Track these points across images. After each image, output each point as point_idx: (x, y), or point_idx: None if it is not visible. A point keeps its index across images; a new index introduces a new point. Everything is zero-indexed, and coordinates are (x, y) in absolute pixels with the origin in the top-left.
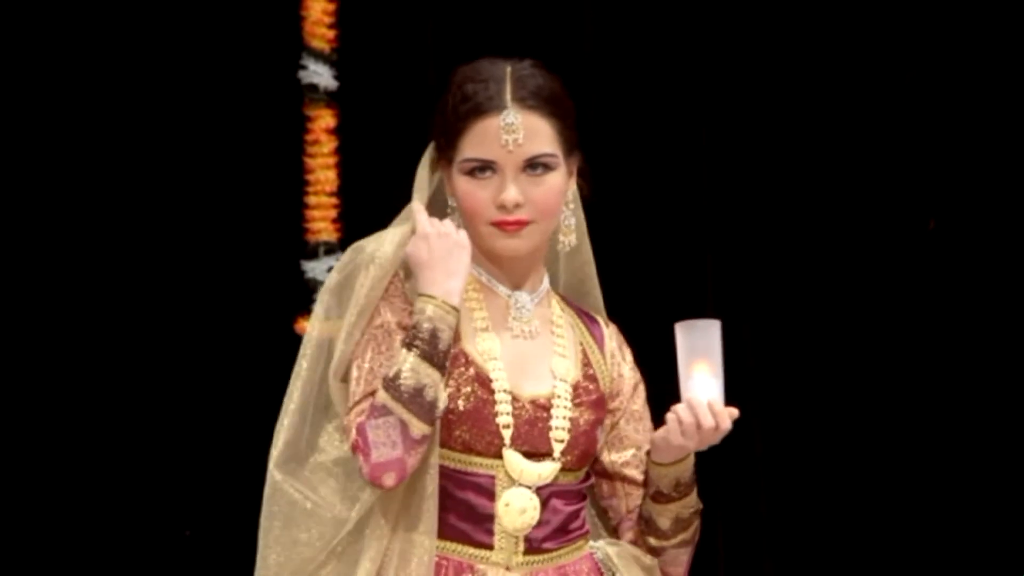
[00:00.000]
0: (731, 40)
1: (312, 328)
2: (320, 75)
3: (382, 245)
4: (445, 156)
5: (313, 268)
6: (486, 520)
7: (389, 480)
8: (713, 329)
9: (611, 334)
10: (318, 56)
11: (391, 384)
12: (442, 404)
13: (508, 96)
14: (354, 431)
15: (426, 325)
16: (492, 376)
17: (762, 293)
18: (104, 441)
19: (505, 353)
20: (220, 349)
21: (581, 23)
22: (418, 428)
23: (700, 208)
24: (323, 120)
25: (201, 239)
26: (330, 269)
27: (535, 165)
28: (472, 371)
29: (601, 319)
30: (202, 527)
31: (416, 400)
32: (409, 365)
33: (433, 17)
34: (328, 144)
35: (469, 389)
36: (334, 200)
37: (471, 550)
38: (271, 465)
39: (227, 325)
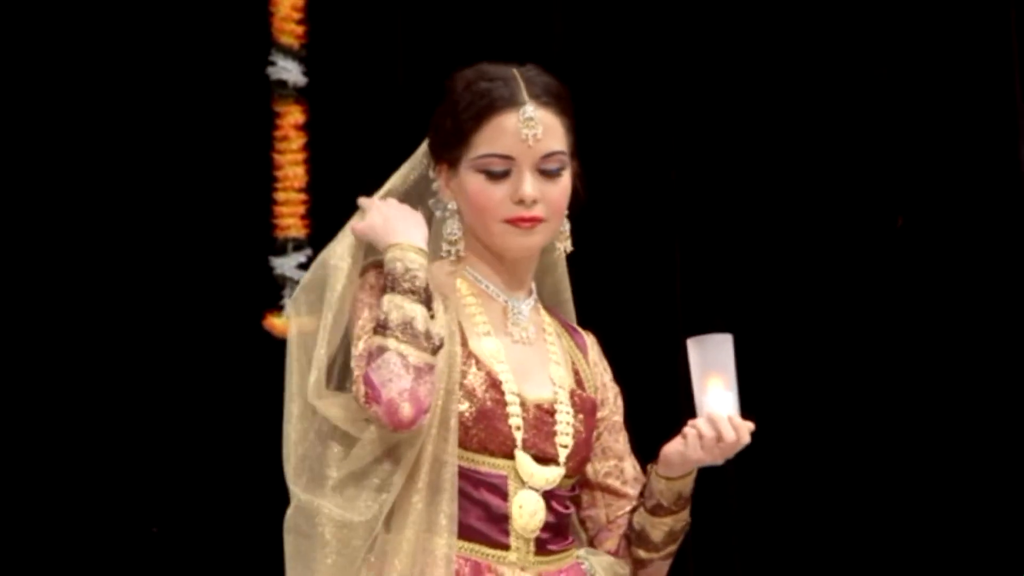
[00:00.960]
0: (701, 43)
1: (291, 333)
2: (289, 71)
3: (334, 247)
4: (451, 157)
5: (282, 264)
6: (502, 520)
7: (406, 412)
8: (725, 343)
9: (592, 343)
10: (287, 52)
11: (380, 325)
12: (437, 336)
13: (525, 93)
14: (361, 385)
15: (398, 266)
16: (501, 378)
17: (731, 294)
18: (73, 437)
19: (509, 357)
20: (189, 345)
21: (550, 19)
22: (418, 356)
23: (669, 207)
24: (292, 116)
25: (170, 235)
26: (299, 265)
27: (549, 165)
28: (483, 372)
29: (580, 329)
30: (170, 524)
31: (408, 331)
32: (391, 303)
33: (402, 13)
34: (297, 140)
35: (482, 390)
36: (303, 196)
37: (488, 550)
38: (291, 486)
39: (196, 321)
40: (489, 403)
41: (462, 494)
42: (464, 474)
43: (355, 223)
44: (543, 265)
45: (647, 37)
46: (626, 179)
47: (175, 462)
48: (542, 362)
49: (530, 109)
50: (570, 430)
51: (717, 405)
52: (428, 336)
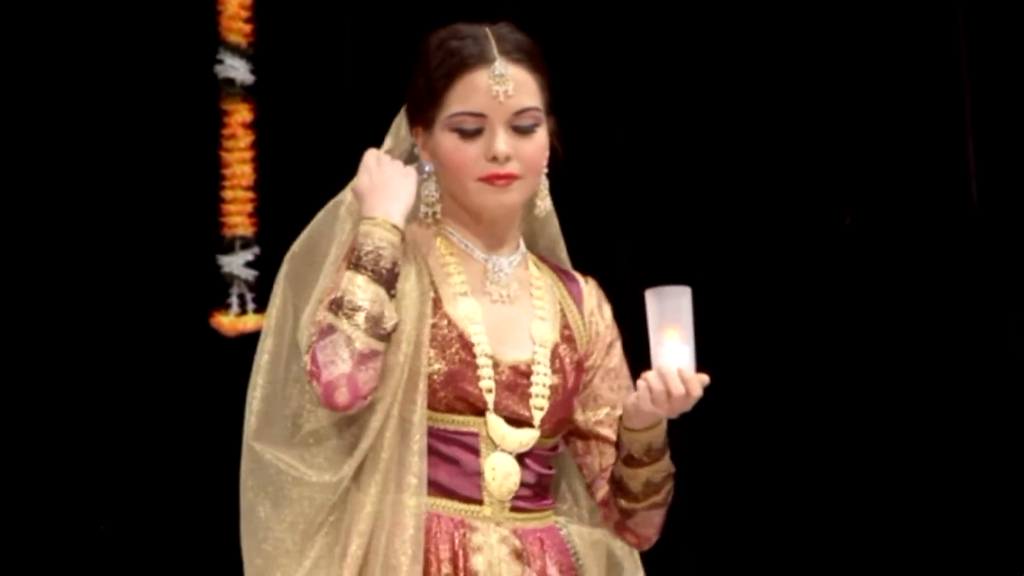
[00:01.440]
0: (653, 37)
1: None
2: (236, 69)
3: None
4: (425, 118)
5: (229, 262)
6: (474, 476)
7: (341, 397)
8: (683, 295)
9: (590, 291)
10: (235, 50)
11: (334, 303)
12: (390, 321)
13: (495, 49)
14: (307, 358)
15: (366, 243)
16: (473, 340)
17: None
18: (21, 435)
19: (485, 318)
20: (137, 343)
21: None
22: (364, 342)
23: (615, 208)
24: (239, 114)
25: (117, 233)
26: (247, 263)
27: (523, 122)
28: (455, 333)
29: (579, 276)
30: (118, 522)
31: (359, 314)
32: (351, 282)
33: (350, 11)
34: (244, 138)
35: (452, 351)
36: (250, 194)
37: (461, 506)
38: (253, 441)
39: (143, 319)
40: (459, 365)
41: (433, 452)
42: (434, 433)
43: (355, 182)
44: (534, 227)
45: (598, 32)
46: (571, 181)
47: (123, 460)
48: (523, 320)
49: (500, 65)
50: (546, 392)
51: (670, 358)
52: (379, 321)
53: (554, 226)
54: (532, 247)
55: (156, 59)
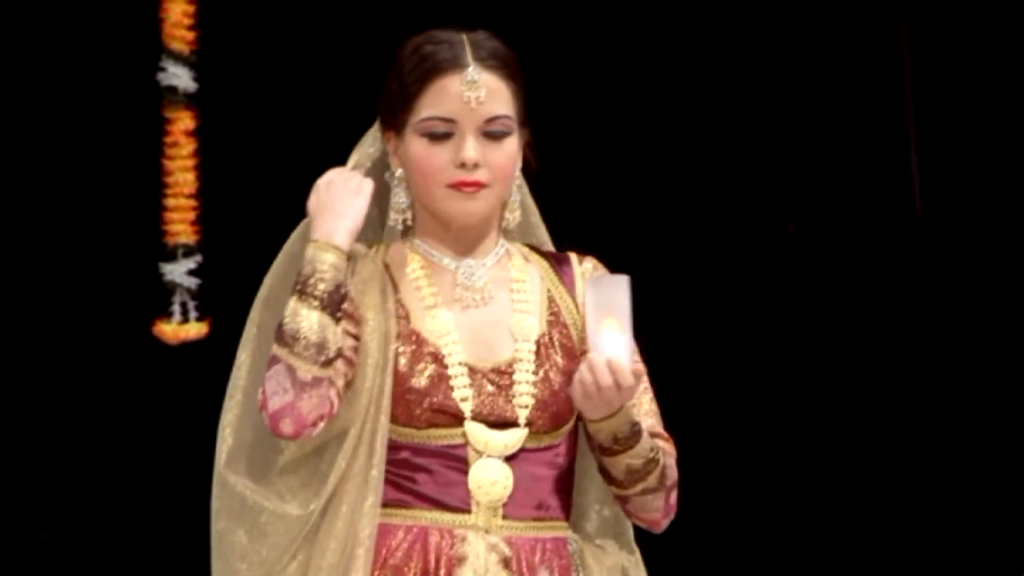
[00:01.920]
0: (596, 46)
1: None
2: (179, 77)
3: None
4: (396, 123)
5: (171, 270)
6: (459, 485)
7: (286, 428)
8: (621, 285)
9: (583, 272)
10: (177, 58)
11: (277, 332)
12: (333, 344)
13: (469, 55)
14: (261, 388)
15: (307, 268)
16: (445, 351)
17: None
18: None
19: (459, 326)
20: (79, 351)
21: (441, 22)
22: (305, 371)
23: (557, 216)
24: (182, 122)
25: (59, 241)
26: (189, 271)
27: (494, 129)
28: (426, 349)
29: (575, 257)
30: (60, 530)
31: (300, 342)
32: (291, 310)
33: (293, 19)
34: (187, 146)
35: (423, 366)
36: (193, 202)
37: (449, 516)
38: (226, 472)
39: (85, 327)
40: (432, 379)
41: (420, 468)
42: (420, 450)
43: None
44: (526, 234)
45: (541, 41)
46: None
47: (65, 468)
48: (501, 319)
49: (473, 71)
50: (530, 388)
51: (607, 348)
52: (321, 348)
53: (542, 235)
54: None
55: (98, 66)
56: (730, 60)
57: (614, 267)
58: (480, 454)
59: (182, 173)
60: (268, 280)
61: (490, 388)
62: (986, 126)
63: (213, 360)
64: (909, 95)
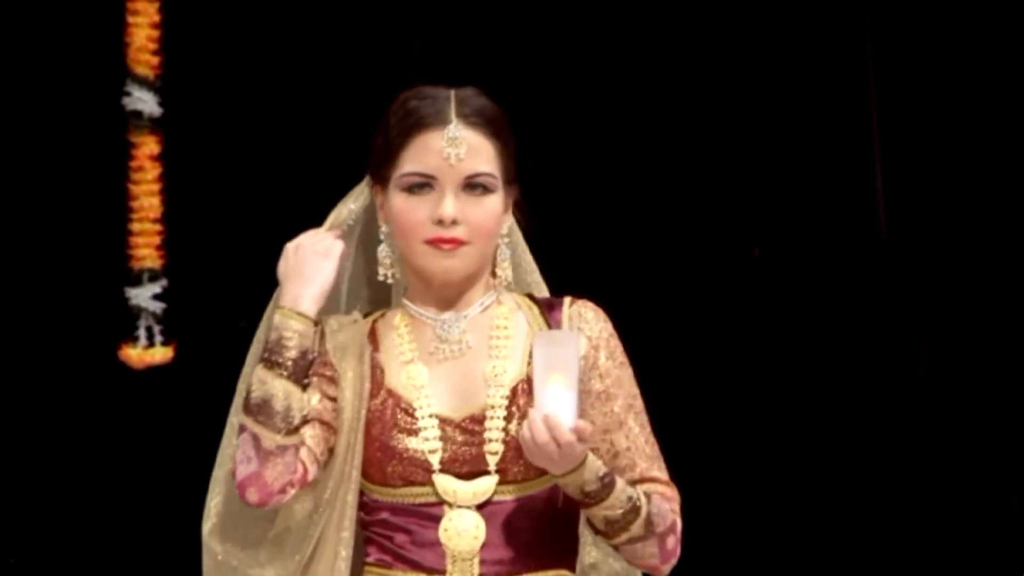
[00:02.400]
0: (562, 66)
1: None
2: (144, 102)
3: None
4: (381, 177)
5: (137, 295)
6: (435, 544)
7: (252, 496)
8: (571, 341)
9: (571, 314)
10: (142, 83)
11: (244, 401)
12: (298, 412)
13: (453, 111)
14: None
15: (273, 335)
16: (416, 404)
17: None
18: None
19: (434, 379)
20: (44, 375)
21: (409, 43)
22: (269, 439)
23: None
24: (147, 147)
25: (24, 265)
26: (154, 296)
27: (474, 185)
28: (399, 404)
29: (567, 301)
30: (26, 555)
31: (264, 411)
32: (258, 378)
33: (257, 44)
34: (152, 171)
35: (394, 422)
36: (158, 227)
37: None
38: (213, 543)
39: (51, 351)
40: (400, 434)
41: (395, 527)
42: (398, 509)
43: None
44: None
45: (505, 66)
46: None
47: (31, 492)
48: (478, 367)
49: (455, 128)
50: (501, 435)
51: (551, 404)
52: (285, 416)
53: (526, 261)
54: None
55: (64, 91)
56: (696, 85)
57: (580, 289)
58: (452, 506)
59: (147, 197)
60: (254, 345)
61: (461, 438)
62: (951, 149)
63: (179, 384)
64: (874, 119)
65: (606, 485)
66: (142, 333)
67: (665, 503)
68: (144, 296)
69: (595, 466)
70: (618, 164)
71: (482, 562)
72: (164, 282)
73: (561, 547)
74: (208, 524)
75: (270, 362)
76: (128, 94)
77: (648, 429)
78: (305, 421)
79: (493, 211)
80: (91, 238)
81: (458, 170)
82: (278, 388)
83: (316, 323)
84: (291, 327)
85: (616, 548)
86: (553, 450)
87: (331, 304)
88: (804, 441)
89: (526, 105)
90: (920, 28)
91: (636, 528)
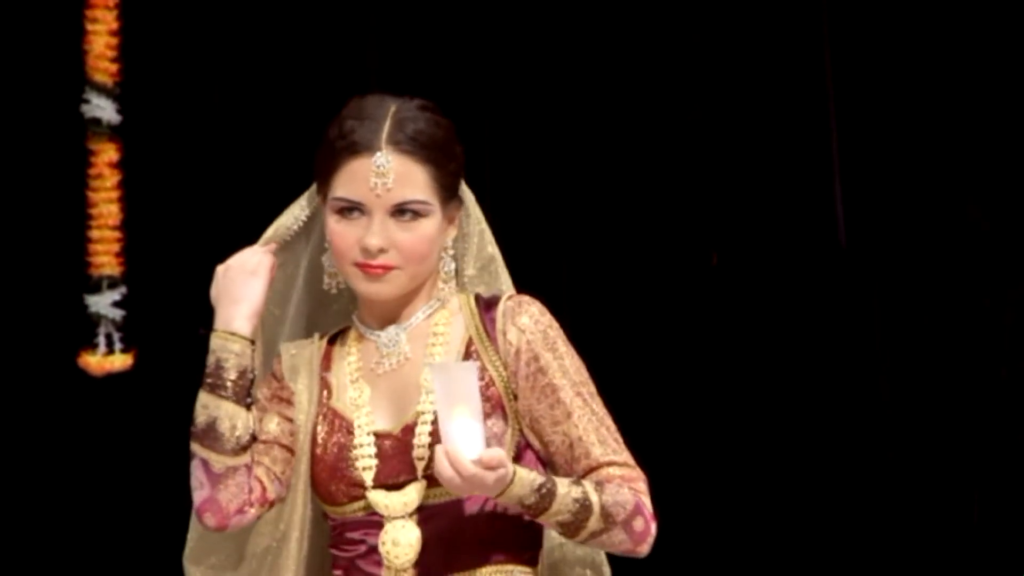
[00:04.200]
0: (521, 71)
1: None
2: (103, 109)
3: None
4: (321, 192)
5: (96, 302)
6: (374, 554)
7: (209, 521)
8: (469, 371)
9: (505, 310)
10: (101, 90)
11: (192, 427)
12: (244, 431)
13: (383, 138)
14: None
15: (211, 359)
16: (356, 423)
17: None
18: None
19: (375, 395)
20: (2, 383)
21: (364, 55)
22: (218, 462)
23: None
24: (106, 154)
25: None
26: (114, 303)
27: (404, 211)
28: (341, 424)
29: (504, 298)
30: None
31: (210, 435)
32: (200, 403)
33: (217, 51)
34: (111, 178)
35: (334, 441)
36: (117, 234)
37: None
38: (185, 559)
39: (9, 359)
40: (339, 454)
41: (348, 541)
42: (346, 523)
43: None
44: (464, 249)
45: (466, 72)
46: None
47: None
48: (413, 377)
49: (381, 157)
50: (427, 440)
51: (457, 436)
52: (231, 437)
53: (487, 247)
54: (465, 270)
55: (22, 98)
56: (655, 92)
57: (538, 296)
58: (388, 518)
59: (106, 205)
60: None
61: (395, 450)
62: (909, 156)
63: (138, 392)
64: (833, 126)
65: (544, 496)
66: (101, 340)
67: (624, 487)
68: (103, 303)
69: (527, 480)
70: (577, 170)
71: (417, 565)
72: (123, 289)
73: (512, 541)
74: (187, 548)
75: (211, 385)
76: (87, 101)
77: (602, 413)
78: (254, 439)
79: (424, 236)
80: (50, 245)
81: (385, 199)
82: (221, 410)
83: (251, 342)
84: (228, 348)
85: (584, 543)
86: (459, 484)
87: (281, 311)
88: (763, 447)
89: (485, 111)
90: (878, 36)
91: (593, 524)
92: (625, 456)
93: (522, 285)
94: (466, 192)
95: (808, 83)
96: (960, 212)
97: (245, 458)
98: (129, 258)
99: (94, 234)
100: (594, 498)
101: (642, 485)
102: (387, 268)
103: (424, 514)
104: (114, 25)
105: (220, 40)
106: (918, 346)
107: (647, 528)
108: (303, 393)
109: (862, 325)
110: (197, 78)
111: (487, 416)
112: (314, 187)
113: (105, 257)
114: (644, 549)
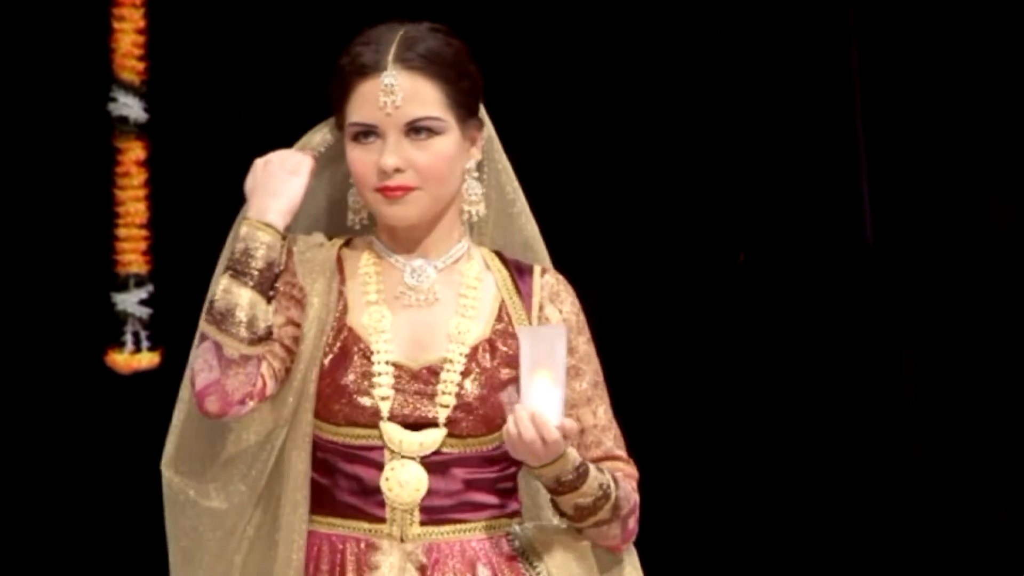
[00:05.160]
0: (549, 69)
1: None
2: (130, 107)
3: None
4: (339, 123)
5: (123, 300)
6: (376, 492)
7: (211, 405)
8: (559, 336)
9: (544, 285)
10: (128, 88)
11: (207, 309)
12: (263, 323)
13: (390, 57)
14: (188, 368)
15: (239, 245)
16: (374, 348)
17: None
18: None
19: (397, 324)
20: (29, 381)
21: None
22: (232, 348)
23: None
24: (133, 152)
25: (10, 271)
26: (141, 301)
27: (419, 129)
28: (357, 345)
29: (538, 270)
30: (9, 558)
31: (228, 320)
32: (222, 287)
33: (244, 49)
34: (138, 176)
35: (348, 361)
36: (144, 232)
37: (365, 524)
38: (167, 471)
39: (37, 357)
40: (356, 375)
41: (337, 470)
42: (336, 449)
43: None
44: (508, 228)
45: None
46: None
47: (16, 499)
48: (442, 321)
49: (388, 76)
50: (455, 388)
51: (537, 400)
52: (250, 325)
53: (525, 226)
54: (507, 246)
55: (49, 96)
56: (682, 91)
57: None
58: (396, 454)
59: (133, 203)
60: (220, 263)
61: (414, 388)
62: (936, 153)
63: (165, 390)
64: (859, 123)
65: (581, 474)
66: (128, 339)
67: (628, 483)
68: (130, 301)
69: (571, 456)
70: (603, 170)
71: (422, 510)
72: (150, 287)
73: (507, 496)
74: (166, 455)
75: (235, 271)
76: (114, 100)
77: (609, 405)
78: (270, 334)
79: (441, 153)
80: (77, 243)
81: (396, 117)
82: (243, 297)
83: (283, 237)
84: (258, 238)
85: (580, 531)
86: (539, 448)
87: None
88: (789, 446)
89: (512, 108)
90: (905, 32)
91: (604, 512)
92: (626, 453)
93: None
94: (487, 122)
95: (835, 81)
96: (987, 210)
97: (259, 349)
98: (156, 256)
99: (121, 232)
100: (612, 487)
101: (636, 485)
102: (407, 189)
103: (431, 460)
104: (141, 23)
105: (246, 38)
106: (945, 344)
107: (635, 527)
108: (318, 299)
109: (889, 323)
110: (224, 76)
111: (511, 381)
112: (328, 122)
113: (132, 255)
114: (625, 548)
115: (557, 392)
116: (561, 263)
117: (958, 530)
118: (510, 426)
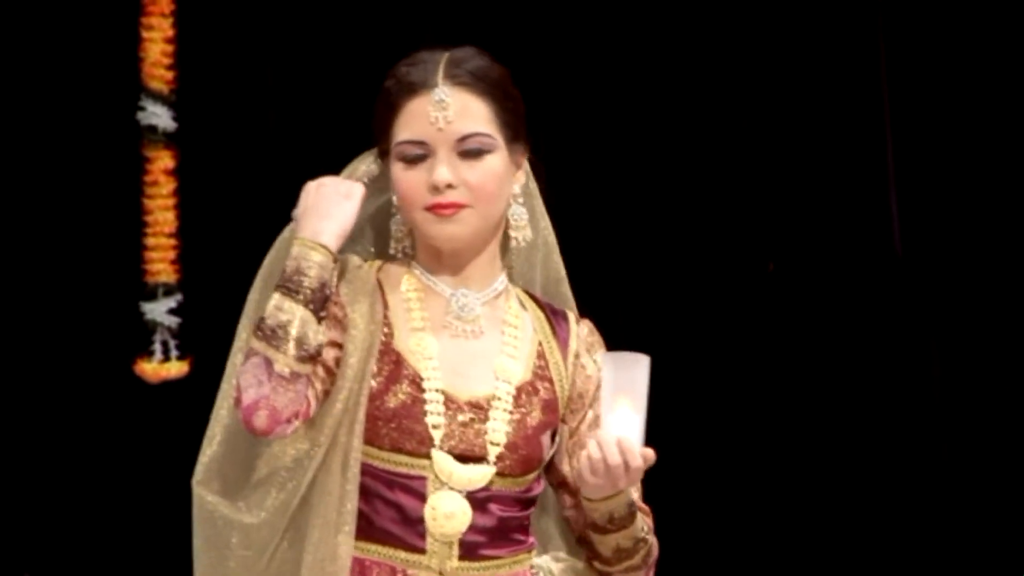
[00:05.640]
0: (576, 80)
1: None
2: (159, 116)
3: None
4: (383, 149)
5: (152, 309)
6: (417, 523)
7: (260, 421)
8: (640, 364)
9: (579, 333)
10: (157, 97)
11: (257, 325)
12: (314, 341)
13: (440, 75)
14: (233, 383)
15: (291, 263)
16: (423, 375)
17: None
18: None
19: (443, 353)
20: (59, 390)
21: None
22: (283, 364)
23: None
24: (162, 161)
25: (39, 280)
26: (170, 310)
27: (469, 148)
28: (405, 370)
29: (573, 316)
30: (41, 570)
31: (279, 336)
32: (273, 303)
33: (272, 58)
34: (167, 185)
35: (399, 387)
36: (173, 241)
37: (403, 554)
38: (197, 486)
39: (66, 366)
40: (406, 401)
41: (376, 496)
42: (378, 475)
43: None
44: (533, 262)
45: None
46: None
47: (46, 507)
48: (487, 356)
49: (441, 91)
50: (504, 427)
51: (617, 427)
52: (301, 343)
53: (556, 263)
54: (531, 284)
55: (78, 106)
56: (710, 100)
57: (590, 306)
58: (443, 485)
59: (162, 212)
60: (258, 279)
61: (460, 419)
62: (966, 163)
63: (194, 399)
64: (888, 134)
65: (632, 513)
66: (157, 348)
67: (652, 535)
68: (159, 311)
69: (628, 493)
70: (633, 179)
71: (460, 544)
72: (179, 296)
73: (524, 532)
74: (198, 472)
75: (287, 289)
76: (143, 109)
77: None
78: (319, 353)
79: (492, 172)
80: (106, 253)
81: (448, 133)
82: (295, 314)
83: (335, 259)
84: (311, 257)
85: (613, 574)
86: (621, 474)
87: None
88: (819, 456)
89: (539, 117)
90: (934, 41)
91: (638, 558)
92: (647, 507)
93: (579, 294)
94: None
95: (864, 92)
96: (1017, 221)
97: (308, 368)
98: (185, 265)
99: (150, 241)
100: (650, 535)
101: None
102: (458, 206)
103: (475, 495)
104: (169, 32)
105: (275, 47)
106: (974, 354)
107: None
108: (362, 321)
109: (918, 333)
110: (252, 85)
111: (545, 426)
112: (371, 152)
113: (161, 264)
114: None
115: (637, 419)
116: (592, 275)
117: (986, 536)
118: (593, 451)
